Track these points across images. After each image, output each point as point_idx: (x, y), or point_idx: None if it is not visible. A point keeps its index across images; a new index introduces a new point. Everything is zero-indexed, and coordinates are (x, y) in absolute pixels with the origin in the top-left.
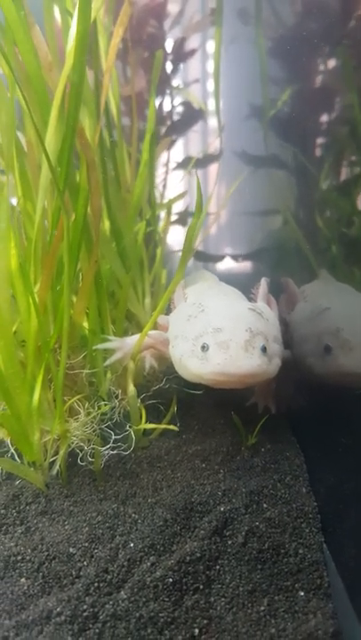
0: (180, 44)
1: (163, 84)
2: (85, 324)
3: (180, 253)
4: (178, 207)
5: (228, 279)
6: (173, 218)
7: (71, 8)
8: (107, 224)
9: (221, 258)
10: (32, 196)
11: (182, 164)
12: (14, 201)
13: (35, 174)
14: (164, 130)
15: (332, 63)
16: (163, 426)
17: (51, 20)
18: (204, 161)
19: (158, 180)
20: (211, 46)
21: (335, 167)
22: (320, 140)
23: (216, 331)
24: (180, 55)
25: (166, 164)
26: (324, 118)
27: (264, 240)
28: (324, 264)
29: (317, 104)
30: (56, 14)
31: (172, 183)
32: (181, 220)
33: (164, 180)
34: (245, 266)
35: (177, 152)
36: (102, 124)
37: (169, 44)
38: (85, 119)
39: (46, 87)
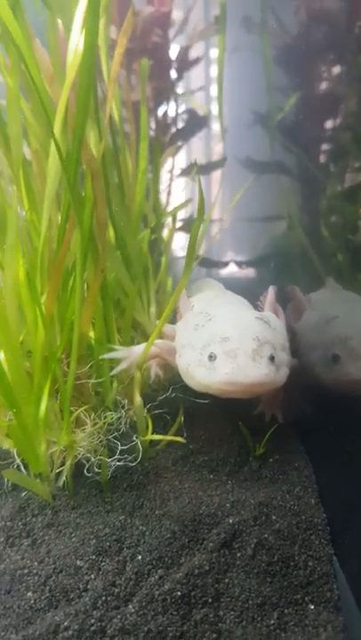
0: (184, 52)
1: (167, 92)
2: (91, 334)
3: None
4: (183, 214)
5: (233, 285)
6: (178, 224)
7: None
8: (111, 233)
9: (226, 264)
10: (37, 206)
11: (186, 171)
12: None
13: (40, 185)
14: (168, 137)
15: (335, 71)
16: (169, 437)
17: (55, 33)
18: (207, 167)
19: (163, 186)
20: (215, 54)
21: (340, 173)
22: (324, 147)
23: (224, 340)
24: (185, 63)
25: (171, 171)
26: (329, 125)
27: (268, 246)
28: (330, 271)
29: (321, 111)
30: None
31: (177, 190)
32: (186, 226)
33: (169, 186)
34: (250, 272)
35: (181, 159)
36: (106, 134)
37: (173, 53)
38: (89, 130)
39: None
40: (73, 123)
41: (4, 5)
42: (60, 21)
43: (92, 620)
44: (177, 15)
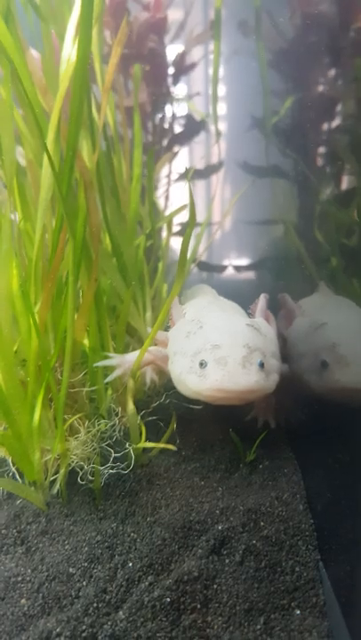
0: (180, 57)
1: (164, 97)
2: (86, 342)
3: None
4: (181, 218)
5: (232, 287)
6: (176, 229)
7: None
8: (107, 239)
9: (224, 268)
10: (32, 216)
11: (184, 176)
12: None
13: (34, 194)
14: (166, 142)
15: (331, 74)
16: (161, 445)
17: (49, 43)
18: (205, 171)
19: (161, 191)
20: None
21: (335, 177)
22: (321, 150)
23: (214, 347)
24: (181, 68)
25: (168, 176)
26: (325, 128)
27: (266, 249)
28: (324, 274)
29: (317, 114)
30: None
31: (176, 194)
32: (183, 231)
33: (167, 191)
34: (249, 274)
35: (179, 163)
36: (101, 141)
37: (171, 55)
38: (83, 140)
39: (43, 109)
40: (66, 133)
41: None
42: (53, 31)
43: (84, 627)
44: (177, 15)
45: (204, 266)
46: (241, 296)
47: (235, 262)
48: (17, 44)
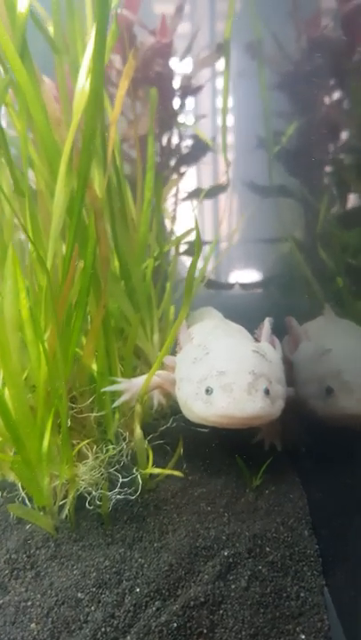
0: (187, 80)
1: (170, 120)
2: (94, 366)
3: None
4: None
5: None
6: (183, 248)
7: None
8: (115, 263)
9: (231, 286)
10: (43, 243)
11: (191, 196)
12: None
13: (46, 223)
14: (173, 163)
15: (336, 96)
16: (168, 471)
17: (62, 74)
18: (211, 191)
19: (168, 210)
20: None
21: (341, 197)
22: (326, 170)
23: (220, 374)
24: (188, 91)
25: (175, 195)
26: (331, 149)
27: (273, 266)
28: (330, 295)
29: (323, 135)
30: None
31: (184, 214)
32: (190, 251)
33: (174, 211)
34: (254, 291)
35: (187, 183)
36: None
37: (178, 75)
38: (94, 169)
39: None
40: (78, 163)
41: (13, 54)
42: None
43: None
44: (185, 29)
45: (212, 284)
46: (247, 313)
47: (241, 280)
48: (32, 80)
